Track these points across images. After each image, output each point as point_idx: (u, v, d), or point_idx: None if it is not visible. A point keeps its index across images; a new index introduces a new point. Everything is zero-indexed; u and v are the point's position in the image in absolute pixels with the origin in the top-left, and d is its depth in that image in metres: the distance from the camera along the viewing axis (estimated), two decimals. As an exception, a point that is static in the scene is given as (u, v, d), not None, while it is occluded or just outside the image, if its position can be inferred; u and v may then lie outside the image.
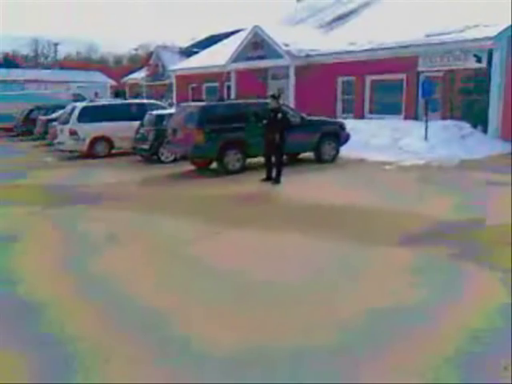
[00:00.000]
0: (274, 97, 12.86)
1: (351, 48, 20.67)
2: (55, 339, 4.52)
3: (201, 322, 4.80)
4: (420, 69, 18.35)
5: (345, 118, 18.27)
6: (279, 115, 12.10)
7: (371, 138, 16.88)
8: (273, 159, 12.27)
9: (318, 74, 21.61)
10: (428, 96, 16.61)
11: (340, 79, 21.54)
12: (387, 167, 13.62)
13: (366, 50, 19.88)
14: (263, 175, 12.27)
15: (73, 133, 17.54)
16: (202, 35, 49.46)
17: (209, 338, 4.44)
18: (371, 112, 20.30)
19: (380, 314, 4.79)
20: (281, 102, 16.46)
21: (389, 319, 4.70)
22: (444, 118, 17.52)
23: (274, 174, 12.07)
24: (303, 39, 23.24)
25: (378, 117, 19.39)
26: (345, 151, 15.27)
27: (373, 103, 20.40)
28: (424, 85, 16.97)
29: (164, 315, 4.93)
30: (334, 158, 14.97)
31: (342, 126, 15.56)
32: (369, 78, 20.33)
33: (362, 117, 20.17)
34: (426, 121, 16.03)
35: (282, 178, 11.92)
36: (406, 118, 18.67)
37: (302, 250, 6.97)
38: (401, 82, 19.06)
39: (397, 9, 21.87)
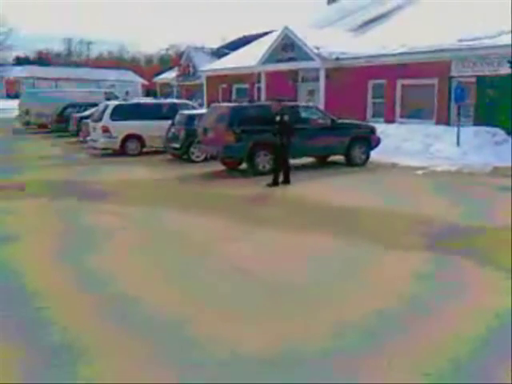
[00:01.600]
0: (276, 100, 13.26)
1: (383, 51, 20.56)
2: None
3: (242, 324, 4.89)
4: (452, 74, 18.18)
5: (375, 122, 18.20)
6: (277, 118, 12.27)
7: (402, 142, 16.80)
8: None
9: (349, 77, 21.56)
10: (460, 101, 16.46)
11: (371, 83, 21.44)
12: (418, 172, 13.53)
13: (398, 54, 19.76)
14: (292, 177, 12.29)
15: (105, 130, 17.83)
16: (233, 36, 49.77)
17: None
18: (402, 116, 20.17)
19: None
20: (311, 103, 16.55)
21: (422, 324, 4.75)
22: (476, 123, 17.31)
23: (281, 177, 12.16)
24: (334, 42, 23.18)
25: (409, 121, 19.26)
26: (375, 155, 15.22)
27: (404, 107, 20.26)
28: (456, 90, 16.82)
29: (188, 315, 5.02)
30: (364, 162, 14.93)
31: (372, 130, 15.53)
32: (400, 82, 20.21)
33: (392, 121, 20.05)
34: (458, 126, 15.89)
35: (312, 181, 11.98)
36: (437, 123, 18.49)
37: (333, 252, 7.02)
38: (433, 87, 18.91)
39: (431, 12, 21.67)
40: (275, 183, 12.00)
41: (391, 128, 18.26)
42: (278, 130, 12.28)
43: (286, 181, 12.15)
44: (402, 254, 6.78)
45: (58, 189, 12.01)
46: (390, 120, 20.16)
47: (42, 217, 9.36)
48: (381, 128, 16.39)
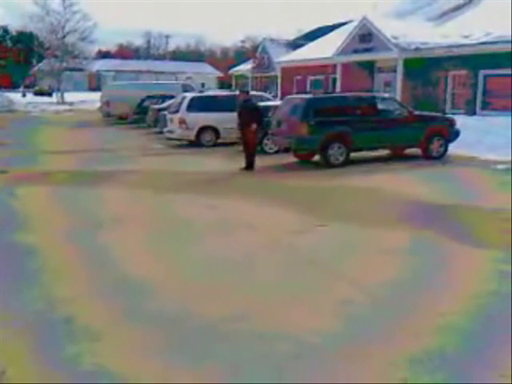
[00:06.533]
0: (242, 91, 15.02)
1: (464, 41, 19.81)
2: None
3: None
4: (540, 63, 17.26)
5: (454, 114, 17.58)
6: (239, 108, 13.46)
7: (483, 135, 16.12)
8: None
9: (428, 68, 20.94)
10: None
11: (451, 73, 20.72)
12: (499, 167, 12.96)
13: (480, 44, 18.97)
14: (366, 169, 12.17)
15: (182, 122, 18.19)
16: (309, 28, 49.46)
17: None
18: (483, 108, 19.37)
19: None
20: (387, 94, 16.19)
21: None
22: None
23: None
24: (413, 32, 22.52)
25: (492, 113, 18.47)
26: (454, 149, 14.73)
27: (486, 99, 19.45)
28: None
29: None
30: (442, 155, 14.49)
31: (451, 122, 15.03)
32: (482, 73, 19.40)
33: (473, 113, 19.32)
34: (545, 119, 15.09)
35: (390, 173, 11.89)
36: (522, 115, 17.62)
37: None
38: (518, 78, 18.02)
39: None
40: (247, 167, 13.18)
41: (471, 120, 17.58)
42: (244, 120, 13.18)
43: (250, 167, 13.15)
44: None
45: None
46: (470, 112, 19.42)
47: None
48: (460, 120, 15.80)
